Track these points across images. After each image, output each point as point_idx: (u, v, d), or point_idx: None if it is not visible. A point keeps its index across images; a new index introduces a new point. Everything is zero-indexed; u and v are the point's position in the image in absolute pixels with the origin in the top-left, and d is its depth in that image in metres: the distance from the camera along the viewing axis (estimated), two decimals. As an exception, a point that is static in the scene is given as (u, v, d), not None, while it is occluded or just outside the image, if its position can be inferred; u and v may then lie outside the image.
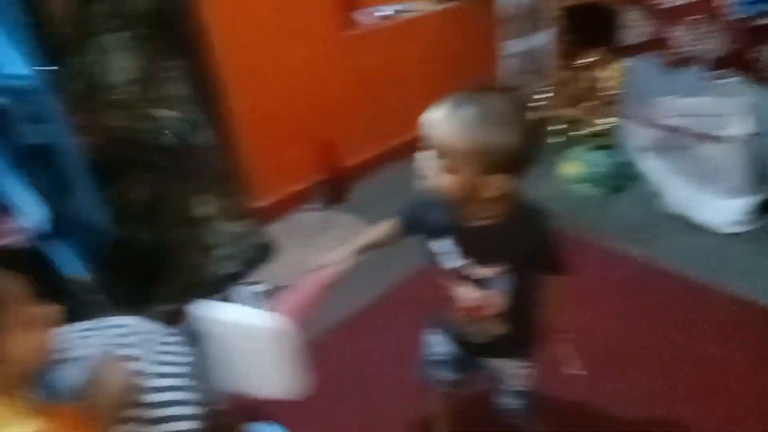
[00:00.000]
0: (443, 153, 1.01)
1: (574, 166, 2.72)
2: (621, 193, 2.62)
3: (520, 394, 1.33)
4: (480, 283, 1.12)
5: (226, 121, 2.50)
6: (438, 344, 1.37)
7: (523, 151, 1.00)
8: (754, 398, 1.63)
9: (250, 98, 2.44)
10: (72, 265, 1.79)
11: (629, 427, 1.60)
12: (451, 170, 1.01)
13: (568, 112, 3.10)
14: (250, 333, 1.10)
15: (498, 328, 1.20)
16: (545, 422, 1.43)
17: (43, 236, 1.86)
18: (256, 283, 2.19)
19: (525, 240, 1.09)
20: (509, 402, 1.36)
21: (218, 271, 2.23)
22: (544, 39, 3.10)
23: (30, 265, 1.94)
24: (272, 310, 1.10)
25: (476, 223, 1.09)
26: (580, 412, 1.65)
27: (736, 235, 2.25)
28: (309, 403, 1.77)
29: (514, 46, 3.29)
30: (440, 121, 1.00)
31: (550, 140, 3.04)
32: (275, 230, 2.59)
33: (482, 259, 1.10)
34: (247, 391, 1.15)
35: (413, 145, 1.25)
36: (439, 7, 3.02)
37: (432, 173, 1.04)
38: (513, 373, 1.31)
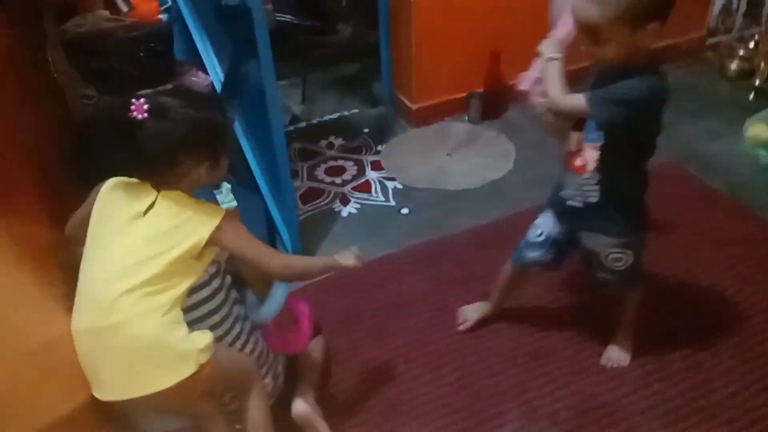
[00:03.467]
0: (594, 29, 1.14)
1: (765, 129, 2.39)
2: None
3: (612, 272, 1.41)
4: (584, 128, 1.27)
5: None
6: (542, 225, 1.49)
7: None
8: None
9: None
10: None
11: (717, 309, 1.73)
12: (605, 41, 1.14)
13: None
14: None
15: (593, 192, 1.30)
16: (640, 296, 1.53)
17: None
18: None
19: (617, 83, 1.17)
20: (603, 276, 1.45)
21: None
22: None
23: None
24: None
25: (604, 66, 1.23)
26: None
27: None
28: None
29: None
30: (582, 4, 1.14)
31: (747, 95, 2.68)
32: (423, 134, 2.67)
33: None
34: None
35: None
36: None
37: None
38: (605, 253, 1.38)
